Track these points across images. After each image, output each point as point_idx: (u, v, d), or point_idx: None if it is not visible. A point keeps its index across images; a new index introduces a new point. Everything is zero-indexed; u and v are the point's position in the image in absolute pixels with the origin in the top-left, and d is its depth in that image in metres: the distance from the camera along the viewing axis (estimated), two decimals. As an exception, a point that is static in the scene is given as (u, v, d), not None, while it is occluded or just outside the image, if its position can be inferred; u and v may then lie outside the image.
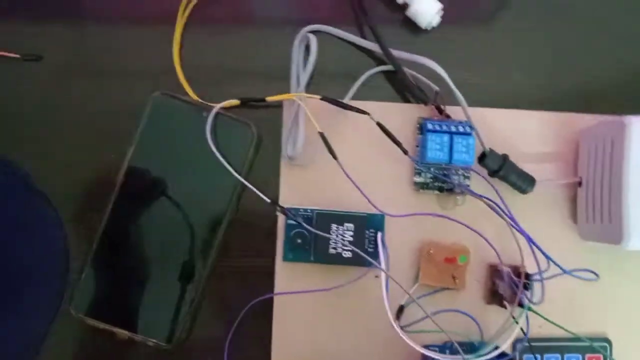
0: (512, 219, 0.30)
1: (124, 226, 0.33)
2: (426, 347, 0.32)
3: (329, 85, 0.35)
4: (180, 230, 0.33)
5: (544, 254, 0.29)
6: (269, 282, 0.34)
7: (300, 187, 0.34)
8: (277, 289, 0.34)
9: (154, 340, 0.32)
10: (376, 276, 0.33)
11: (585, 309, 0.34)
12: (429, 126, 0.33)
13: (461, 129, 0.33)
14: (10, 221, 0.33)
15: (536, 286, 0.32)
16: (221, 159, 0.31)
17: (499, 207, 0.30)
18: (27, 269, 0.33)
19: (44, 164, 0.34)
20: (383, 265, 0.30)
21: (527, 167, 0.34)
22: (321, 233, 0.31)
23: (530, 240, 0.29)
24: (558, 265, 0.30)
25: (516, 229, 0.29)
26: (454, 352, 0.30)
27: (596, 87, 0.36)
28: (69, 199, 0.34)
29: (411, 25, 0.35)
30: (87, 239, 0.33)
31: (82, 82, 0.35)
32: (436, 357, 0.29)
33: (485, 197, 0.31)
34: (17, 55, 0.33)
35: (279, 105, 0.35)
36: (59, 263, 0.33)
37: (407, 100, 0.36)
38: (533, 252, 0.30)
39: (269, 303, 0.34)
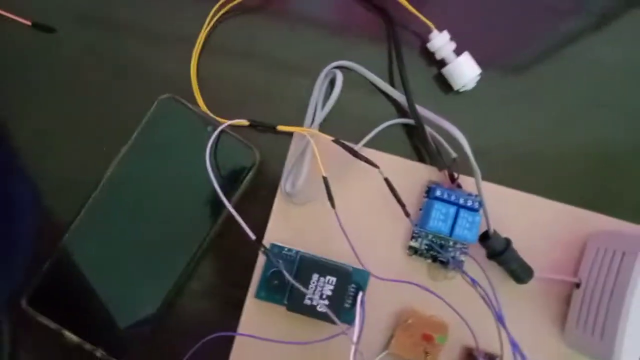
0: (500, 318, 0.28)
1: (97, 228, 0.31)
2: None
3: (347, 126, 0.33)
4: (156, 243, 0.31)
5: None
6: (236, 314, 0.32)
7: (291, 225, 0.32)
8: (242, 325, 0.32)
9: (104, 352, 0.30)
10: (344, 333, 0.32)
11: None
12: (437, 193, 0.31)
13: (469, 203, 0.31)
14: None
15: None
16: (213, 180, 0.29)
17: (489, 298, 0.28)
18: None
19: (37, 142, 0.32)
20: (356, 331, 0.28)
21: (527, 255, 0.32)
22: (299, 286, 0.29)
23: (513, 344, 0.27)
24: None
25: (502, 326, 0.28)
26: None
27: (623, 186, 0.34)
28: (52, 184, 0.32)
29: (443, 83, 0.34)
30: (59, 231, 0.31)
31: (94, 66, 0.33)
32: None
33: (477, 284, 0.29)
34: (28, 23, 0.31)
35: (289, 135, 0.33)
36: (21, 248, 0.31)
37: (421, 158, 0.34)
38: (514, 354, 0.28)
39: (231, 337, 0.32)
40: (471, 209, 0.31)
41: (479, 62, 0.33)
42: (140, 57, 0.33)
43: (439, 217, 0.31)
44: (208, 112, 0.32)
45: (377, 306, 0.32)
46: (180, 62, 0.33)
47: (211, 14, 0.33)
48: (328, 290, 0.30)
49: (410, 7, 0.32)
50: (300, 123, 0.33)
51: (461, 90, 0.33)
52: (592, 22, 0.35)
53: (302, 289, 0.29)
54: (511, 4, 0.35)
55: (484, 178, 0.32)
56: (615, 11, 0.36)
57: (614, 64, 0.35)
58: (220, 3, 0.33)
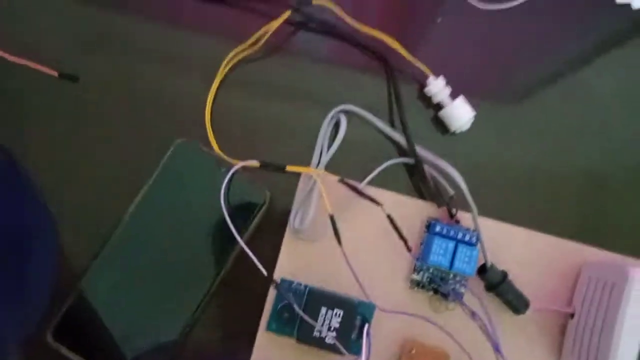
0: (497, 347, 0.30)
1: (118, 264, 0.33)
2: None
3: (350, 165, 0.35)
4: (173, 278, 0.33)
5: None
6: (249, 345, 0.34)
7: (299, 260, 0.34)
8: (254, 356, 0.33)
9: (123, 385, 0.32)
10: (354, 362, 0.33)
11: None
12: (437, 229, 0.33)
13: (467, 238, 0.33)
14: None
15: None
16: (227, 218, 0.31)
17: (487, 328, 0.30)
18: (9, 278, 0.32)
19: (60, 179, 0.35)
20: (363, 363, 0.30)
21: (523, 286, 0.34)
22: (308, 319, 0.31)
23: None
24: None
25: (500, 355, 0.29)
26: None
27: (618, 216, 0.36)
28: (75, 221, 0.34)
29: (440, 124, 0.36)
30: (80, 265, 0.33)
31: (114, 111, 0.36)
32: None
33: (477, 316, 0.31)
34: (55, 73, 0.34)
35: (297, 174, 0.35)
36: (43, 283, 0.33)
37: (421, 195, 0.36)
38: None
39: (243, 369, 0.33)
40: (469, 244, 0.33)
41: (472, 99, 0.35)
42: (157, 93, 0.36)
43: (439, 252, 0.33)
44: (221, 153, 0.34)
45: (382, 337, 0.34)
46: (196, 99, 0.36)
47: (226, 60, 0.36)
48: (336, 323, 0.32)
49: (408, 56, 0.34)
50: (308, 158, 0.35)
51: (457, 132, 0.35)
52: (584, 53, 0.38)
53: (312, 321, 0.31)
54: (504, 39, 0.38)
55: (480, 213, 0.33)
56: (608, 42, 0.38)
57: (607, 94, 0.37)
58: (235, 52, 0.35)
